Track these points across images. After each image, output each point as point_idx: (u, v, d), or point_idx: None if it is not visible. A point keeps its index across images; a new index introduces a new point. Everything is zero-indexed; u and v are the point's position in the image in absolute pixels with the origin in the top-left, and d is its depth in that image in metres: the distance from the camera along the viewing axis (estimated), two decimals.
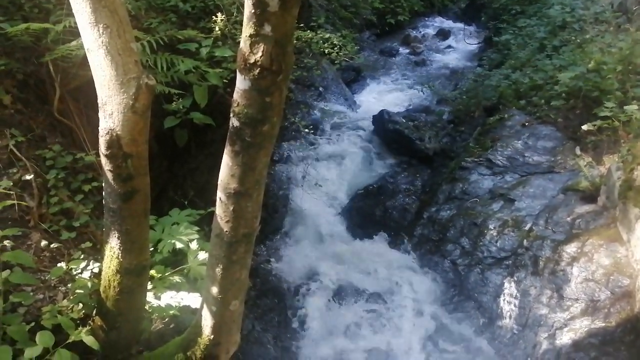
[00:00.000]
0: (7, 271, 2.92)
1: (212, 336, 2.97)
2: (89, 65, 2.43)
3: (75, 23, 2.39)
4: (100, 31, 2.29)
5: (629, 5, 8.25)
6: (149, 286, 3.32)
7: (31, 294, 3.14)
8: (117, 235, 2.72)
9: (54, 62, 4.26)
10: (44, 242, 3.49)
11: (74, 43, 4.07)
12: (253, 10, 2.03)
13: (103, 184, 2.66)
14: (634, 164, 5.27)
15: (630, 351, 4.49)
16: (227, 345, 3.08)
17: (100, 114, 2.46)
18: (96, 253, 3.52)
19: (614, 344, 4.64)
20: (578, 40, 8.40)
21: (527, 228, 6.02)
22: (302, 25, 7.62)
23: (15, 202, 3.51)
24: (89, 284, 3.16)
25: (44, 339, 2.67)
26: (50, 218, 3.69)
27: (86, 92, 3.98)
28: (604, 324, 4.79)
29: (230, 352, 3.15)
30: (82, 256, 3.43)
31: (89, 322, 3.06)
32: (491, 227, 6.30)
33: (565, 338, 4.94)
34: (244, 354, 5.16)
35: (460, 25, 16.55)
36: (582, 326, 4.91)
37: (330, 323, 6.01)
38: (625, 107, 5.83)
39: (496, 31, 12.45)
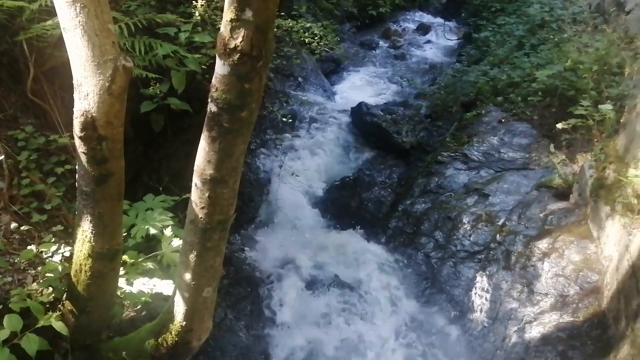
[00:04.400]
0: None
1: (184, 322, 2.96)
2: (64, 46, 2.39)
3: (52, 2, 2.34)
4: (77, 10, 2.24)
5: (606, 6, 8.35)
6: (122, 272, 3.29)
7: None
8: (89, 218, 2.69)
9: (28, 42, 4.16)
10: (13, 224, 3.43)
11: (49, 22, 3.98)
12: None
13: (76, 167, 2.62)
14: (606, 162, 5.35)
15: (597, 345, 4.58)
16: (199, 332, 3.07)
17: (75, 95, 2.42)
18: (67, 237, 3.47)
19: (581, 338, 4.72)
20: (556, 40, 8.49)
21: (500, 223, 6.09)
22: (283, 13, 7.56)
23: None
24: (60, 268, 3.12)
25: (11, 322, 2.63)
26: (21, 200, 3.63)
27: (61, 73, 3.92)
28: (572, 319, 4.88)
29: (202, 339, 3.14)
30: (53, 239, 3.38)
31: (59, 306, 3.02)
32: (465, 221, 6.36)
33: (534, 332, 5.02)
34: (216, 341, 5.14)
35: (440, 20, 16.64)
36: (551, 320, 4.99)
37: (303, 313, 6.01)
38: (599, 107, 5.91)
39: (476, 28, 12.54)
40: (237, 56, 2.13)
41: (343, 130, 9.50)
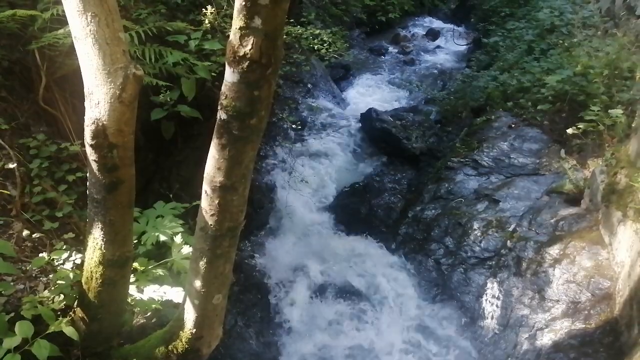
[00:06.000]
0: None
1: (195, 330, 2.96)
2: (76, 54, 2.41)
3: (63, 11, 2.36)
4: (88, 19, 2.26)
5: (617, 10, 8.31)
6: (132, 279, 3.30)
7: (12, 283, 3.10)
8: (100, 226, 2.70)
9: (40, 50, 4.20)
10: (25, 232, 3.45)
11: (61, 31, 4.01)
12: (244, 3, 2.02)
13: (87, 175, 2.63)
14: (617, 167, 5.32)
15: (609, 352, 4.54)
16: (209, 339, 3.07)
17: (87, 104, 2.44)
18: (79, 244, 3.49)
19: (593, 345, 4.68)
20: (566, 44, 8.45)
21: (510, 229, 6.06)
22: (292, 20, 7.58)
23: None
24: (71, 275, 3.13)
25: (23, 329, 2.64)
26: (33, 208, 3.65)
27: (72, 81, 3.95)
28: (584, 326, 4.84)
29: (212, 346, 3.14)
30: (64, 247, 3.39)
31: (70, 313, 3.03)
32: (475, 227, 6.34)
33: (545, 339, 4.98)
34: (226, 348, 5.15)
35: (449, 25, 16.60)
36: (563, 327, 4.95)
37: (313, 319, 6.01)
38: (610, 111, 5.87)
39: (485, 33, 12.49)
40: (247, 64, 2.14)
41: (353, 137, 9.51)
